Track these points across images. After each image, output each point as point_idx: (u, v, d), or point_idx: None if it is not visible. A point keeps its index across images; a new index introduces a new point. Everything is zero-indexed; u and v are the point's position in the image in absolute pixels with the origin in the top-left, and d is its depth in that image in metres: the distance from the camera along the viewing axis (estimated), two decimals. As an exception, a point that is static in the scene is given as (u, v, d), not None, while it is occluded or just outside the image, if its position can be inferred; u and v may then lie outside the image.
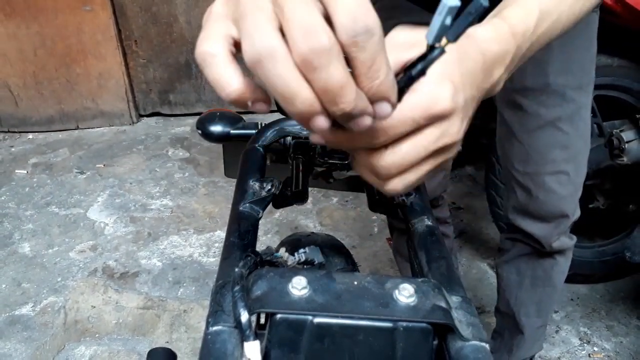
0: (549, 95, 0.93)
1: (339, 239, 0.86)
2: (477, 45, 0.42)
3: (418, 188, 0.59)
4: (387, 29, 1.05)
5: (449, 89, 0.37)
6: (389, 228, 1.33)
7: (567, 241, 1.11)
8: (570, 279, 1.76)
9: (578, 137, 0.99)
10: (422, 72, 0.34)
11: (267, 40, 0.28)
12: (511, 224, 1.12)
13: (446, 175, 1.21)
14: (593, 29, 0.93)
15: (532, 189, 1.02)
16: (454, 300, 0.44)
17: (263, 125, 0.68)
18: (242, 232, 0.51)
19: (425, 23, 0.70)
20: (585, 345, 1.60)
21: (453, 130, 0.39)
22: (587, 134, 1.01)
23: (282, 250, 0.54)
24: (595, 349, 1.58)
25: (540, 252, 1.12)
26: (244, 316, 0.37)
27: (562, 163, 0.99)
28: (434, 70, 0.35)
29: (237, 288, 0.39)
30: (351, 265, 0.80)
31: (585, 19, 0.85)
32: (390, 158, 0.37)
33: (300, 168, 0.61)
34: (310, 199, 0.56)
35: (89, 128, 2.95)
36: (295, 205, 0.56)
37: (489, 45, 0.43)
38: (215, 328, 0.39)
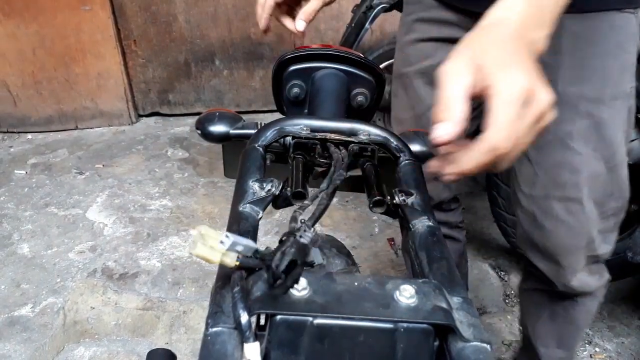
0: (557, 106, 0.90)
1: (339, 240, 0.86)
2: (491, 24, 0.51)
3: (419, 188, 0.59)
4: (407, 24, 1.01)
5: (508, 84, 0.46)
6: (400, 226, 1.32)
7: (590, 280, 0.95)
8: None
9: (595, 159, 0.83)
10: None
11: None
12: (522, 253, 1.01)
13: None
14: (626, 32, 0.79)
15: (538, 216, 0.90)
16: (455, 301, 0.43)
17: (263, 125, 0.67)
18: (241, 233, 0.50)
19: (442, 20, 0.91)
20: (587, 345, 1.59)
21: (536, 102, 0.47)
22: (614, 156, 0.84)
23: None
24: (597, 349, 1.58)
25: (557, 291, 0.97)
26: (244, 317, 0.37)
27: (572, 188, 0.85)
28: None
29: (236, 289, 0.39)
30: (352, 266, 0.79)
31: (611, 22, 0.78)
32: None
33: (300, 168, 0.61)
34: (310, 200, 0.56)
35: (88, 128, 2.95)
36: (295, 206, 0.56)
37: (504, 15, 0.50)
38: (214, 329, 0.39)
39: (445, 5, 0.89)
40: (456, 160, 0.48)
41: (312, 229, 0.44)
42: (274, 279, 0.38)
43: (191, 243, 0.40)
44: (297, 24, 0.83)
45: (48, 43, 2.72)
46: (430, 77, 0.92)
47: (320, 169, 0.68)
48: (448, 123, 0.46)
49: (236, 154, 0.65)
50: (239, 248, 0.39)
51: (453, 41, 0.76)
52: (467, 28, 0.53)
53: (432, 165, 0.51)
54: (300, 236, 0.42)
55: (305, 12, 0.83)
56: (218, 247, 0.39)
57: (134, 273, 1.85)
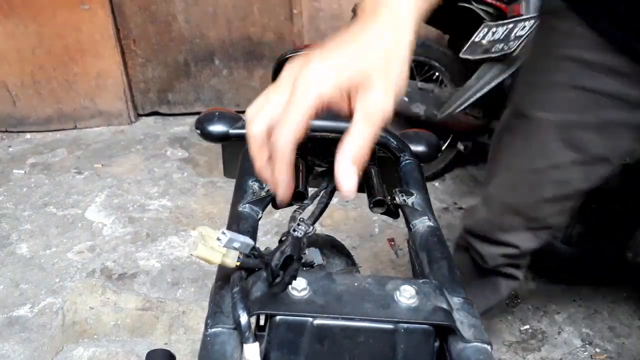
0: None
1: (339, 240, 0.86)
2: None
3: (419, 188, 0.59)
4: (553, 58, 0.82)
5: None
6: (455, 246, 1.19)
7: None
8: (572, 280, 1.76)
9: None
10: None
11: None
12: None
13: (550, 233, 1.07)
14: (543, 45, 0.81)
15: None
16: (456, 301, 0.43)
17: (262, 124, 0.67)
18: (241, 233, 0.50)
19: (606, 67, 0.75)
20: (588, 346, 1.59)
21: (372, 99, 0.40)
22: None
23: None
24: (598, 350, 1.58)
25: None
26: (244, 318, 0.37)
27: None
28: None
29: (236, 289, 0.39)
30: (352, 266, 0.79)
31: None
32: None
33: (300, 168, 0.60)
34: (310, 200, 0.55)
35: (87, 128, 2.94)
36: (295, 206, 0.56)
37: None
38: (214, 330, 0.39)
39: (617, 45, 0.69)
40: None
41: (309, 224, 0.44)
42: (273, 277, 0.38)
43: (191, 244, 0.40)
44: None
45: (47, 43, 2.71)
46: (570, 136, 0.81)
47: (320, 169, 0.67)
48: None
49: (236, 153, 0.64)
50: (236, 245, 0.39)
51: (617, 98, 0.69)
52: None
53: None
54: (294, 230, 0.41)
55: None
56: (217, 246, 0.38)
57: (133, 273, 1.84)
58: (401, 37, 0.41)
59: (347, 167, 0.39)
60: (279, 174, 0.40)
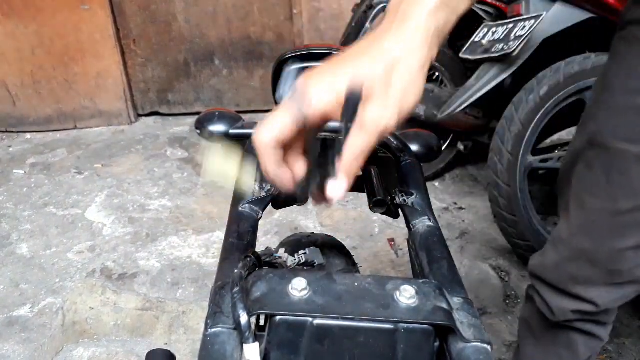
0: None
1: (339, 240, 0.86)
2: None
3: (419, 188, 0.59)
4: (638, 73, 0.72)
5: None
6: (526, 297, 1.01)
7: None
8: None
9: None
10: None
11: None
12: None
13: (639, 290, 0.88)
14: (628, 61, 0.70)
15: None
16: (456, 301, 0.43)
17: (262, 124, 0.67)
18: (241, 233, 0.50)
19: None
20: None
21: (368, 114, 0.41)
22: None
23: (282, 251, 0.54)
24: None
25: None
26: (244, 318, 0.37)
27: None
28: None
29: (236, 289, 0.39)
30: (352, 266, 0.79)
31: None
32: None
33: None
34: (310, 199, 0.55)
35: (87, 128, 2.94)
36: (295, 206, 0.56)
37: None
38: (214, 330, 0.39)
39: None
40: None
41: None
42: None
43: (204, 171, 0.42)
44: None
45: (47, 43, 2.71)
46: None
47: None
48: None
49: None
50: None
51: None
52: None
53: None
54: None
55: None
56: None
57: (133, 273, 1.84)
58: (412, 49, 0.41)
59: (344, 179, 0.41)
60: (265, 171, 0.42)
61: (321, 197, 0.43)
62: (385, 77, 0.40)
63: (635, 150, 0.70)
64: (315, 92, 0.40)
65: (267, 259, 0.50)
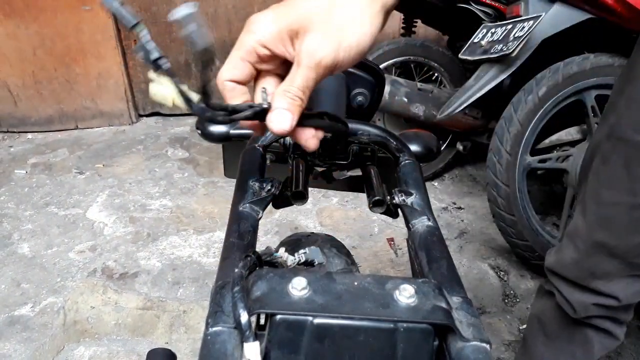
0: None
1: (339, 239, 0.86)
2: None
3: (419, 188, 0.59)
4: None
5: None
6: (538, 291, 1.02)
7: None
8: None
9: None
10: None
11: None
12: None
13: None
14: None
15: None
16: (455, 300, 0.43)
17: (263, 125, 0.67)
18: (241, 233, 0.50)
19: None
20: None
21: None
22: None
23: (282, 251, 0.54)
24: (595, 349, 1.58)
25: None
26: (244, 317, 0.37)
27: None
28: None
29: (236, 289, 0.39)
30: (351, 266, 0.79)
31: None
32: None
33: (300, 168, 0.61)
34: (310, 199, 0.56)
35: (88, 128, 2.95)
36: (295, 206, 0.56)
37: None
38: (214, 329, 0.39)
39: None
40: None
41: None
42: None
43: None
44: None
45: (48, 43, 2.72)
46: None
47: (320, 169, 0.68)
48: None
49: (236, 154, 0.65)
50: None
51: None
52: None
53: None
54: None
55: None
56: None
57: (134, 273, 1.85)
58: None
59: (280, 108, 0.41)
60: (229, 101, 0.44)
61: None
62: (327, 11, 0.40)
63: None
64: (256, 26, 0.42)
65: (268, 259, 0.50)
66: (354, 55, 0.42)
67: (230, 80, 0.44)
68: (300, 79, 0.41)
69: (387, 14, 0.43)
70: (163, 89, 0.42)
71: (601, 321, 0.89)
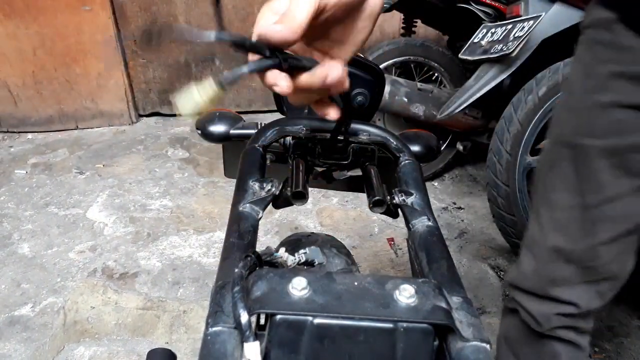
0: None
1: (339, 239, 0.86)
2: None
3: (419, 188, 0.59)
4: (596, 77, 0.72)
5: None
6: (503, 310, 1.01)
7: None
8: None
9: None
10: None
11: None
12: None
13: (614, 286, 0.86)
14: (587, 62, 0.75)
15: None
16: (455, 300, 0.43)
17: (263, 125, 0.67)
18: (241, 233, 0.50)
19: None
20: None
21: None
22: None
23: (282, 251, 0.54)
24: (596, 349, 1.58)
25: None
26: (244, 317, 0.37)
27: None
28: None
29: (237, 288, 0.39)
30: (351, 266, 0.79)
31: None
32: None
33: (300, 168, 0.61)
34: (310, 199, 0.56)
35: (88, 128, 2.95)
36: (295, 206, 0.56)
37: None
38: (214, 329, 0.39)
39: None
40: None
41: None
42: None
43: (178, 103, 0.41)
44: None
45: (48, 43, 2.72)
46: (623, 162, 0.72)
47: (320, 169, 0.68)
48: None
49: (236, 154, 0.65)
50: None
51: None
52: None
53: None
54: None
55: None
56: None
57: (134, 273, 1.85)
58: None
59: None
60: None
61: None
62: None
63: (598, 143, 0.72)
64: (261, 19, 0.44)
65: (268, 259, 0.50)
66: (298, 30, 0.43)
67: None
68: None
69: None
70: (190, 94, 0.41)
71: (565, 332, 0.89)
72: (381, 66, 2.14)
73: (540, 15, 1.63)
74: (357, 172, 0.67)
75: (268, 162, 0.63)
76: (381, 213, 0.58)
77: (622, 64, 0.68)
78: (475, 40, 1.86)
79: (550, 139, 0.82)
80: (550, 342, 0.91)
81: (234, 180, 0.60)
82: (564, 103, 0.80)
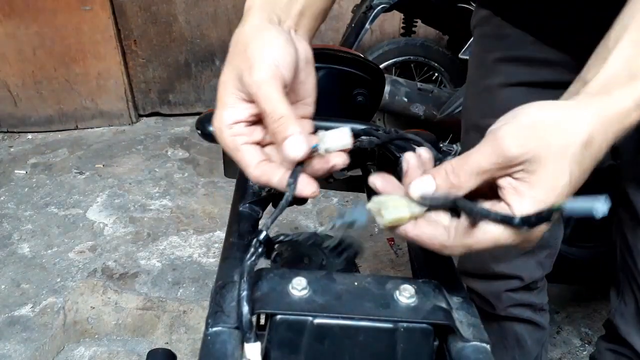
0: None
1: (339, 239, 0.86)
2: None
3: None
4: (486, 65, 0.81)
5: None
6: None
7: None
8: (571, 280, 1.77)
9: None
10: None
11: None
12: (616, 332, 0.84)
13: (550, 254, 0.93)
14: (478, 54, 0.86)
15: None
16: (455, 300, 0.43)
17: (263, 125, 0.67)
18: (241, 233, 0.50)
19: (537, 59, 0.76)
20: (587, 345, 1.59)
21: None
22: None
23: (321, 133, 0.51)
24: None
25: None
26: (244, 317, 0.37)
27: None
28: None
29: (237, 289, 0.39)
30: (351, 266, 0.79)
31: None
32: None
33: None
34: (310, 199, 0.56)
35: (88, 128, 2.95)
36: (295, 206, 0.56)
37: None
38: (215, 329, 0.39)
39: (543, 40, 0.72)
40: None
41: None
42: None
43: (377, 216, 0.42)
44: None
45: (48, 43, 2.71)
46: None
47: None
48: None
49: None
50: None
51: (552, 85, 0.64)
52: (573, 69, 0.45)
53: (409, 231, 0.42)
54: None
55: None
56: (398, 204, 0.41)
57: (134, 273, 1.85)
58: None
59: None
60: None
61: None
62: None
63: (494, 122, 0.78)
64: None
65: (282, 239, 0.48)
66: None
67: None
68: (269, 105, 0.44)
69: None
70: (394, 208, 0.41)
71: (520, 310, 0.94)
72: (381, 66, 2.14)
73: (541, 15, 1.63)
74: (357, 172, 0.67)
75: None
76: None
77: (503, 50, 0.77)
78: (475, 40, 1.86)
79: (463, 127, 0.90)
80: (510, 323, 0.95)
81: (234, 180, 0.60)
82: (467, 92, 0.89)
